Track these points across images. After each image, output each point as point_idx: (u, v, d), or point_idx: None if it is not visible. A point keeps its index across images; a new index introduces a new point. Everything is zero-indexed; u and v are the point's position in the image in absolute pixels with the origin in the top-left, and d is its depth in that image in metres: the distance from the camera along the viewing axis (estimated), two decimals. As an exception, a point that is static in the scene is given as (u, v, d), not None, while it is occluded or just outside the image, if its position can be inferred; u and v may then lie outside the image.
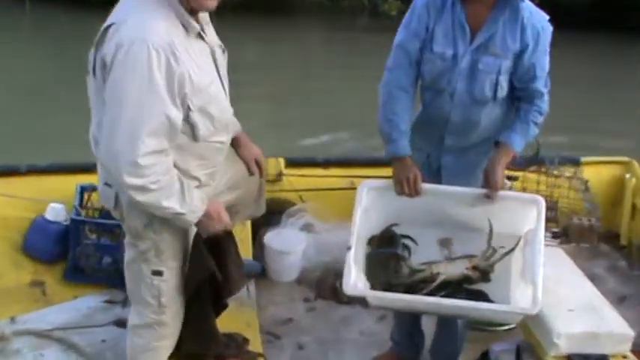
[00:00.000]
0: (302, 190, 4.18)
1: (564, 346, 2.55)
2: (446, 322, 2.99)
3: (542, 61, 2.62)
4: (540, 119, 2.68)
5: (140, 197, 2.16)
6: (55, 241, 3.56)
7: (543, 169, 3.69)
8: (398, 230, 2.79)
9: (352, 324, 3.53)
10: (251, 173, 2.77)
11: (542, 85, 2.65)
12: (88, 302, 3.36)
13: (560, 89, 3.09)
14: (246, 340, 2.75)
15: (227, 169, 2.66)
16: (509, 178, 3.98)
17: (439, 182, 2.76)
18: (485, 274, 2.64)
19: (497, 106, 2.68)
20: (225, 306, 2.63)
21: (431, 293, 2.56)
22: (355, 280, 2.53)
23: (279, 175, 4.24)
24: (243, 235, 3.60)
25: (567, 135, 7.03)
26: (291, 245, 3.85)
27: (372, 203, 2.72)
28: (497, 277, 2.66)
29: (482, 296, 2.61)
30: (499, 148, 2.65)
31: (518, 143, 2.65)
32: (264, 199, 3.01)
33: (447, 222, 2.75)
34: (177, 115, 2.16)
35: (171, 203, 2.20)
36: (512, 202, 2.70)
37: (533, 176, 3.78)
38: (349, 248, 2.56)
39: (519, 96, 2.69)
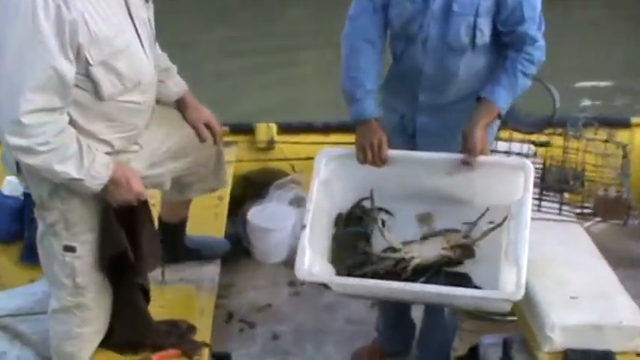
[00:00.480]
0: (295, 159, 3.98)
1: (560, 340, 2.34)
2: (432, 308, 2.77)
3: None
4: (532, 69, 2.41)
5: (29, 160, 2.05)
6: (12, 219, 3.44)
7: (559, 132, 3.32)
8: (370, 204, 2.57)
9: (338, 311, 3.36)
10: (202, 140, 2.58)
11: (533, 28, 2.37)
12: (43, 286, 3.22)
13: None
14: (191, 328, 2.57)
15: (171, 135, 2.51)
16: (535, 143, 3.64)
17: (415, 148, 2.53)
18: (467, 250, 2.43)
19: (478, 56, 2.42)
20: (145, 291, 2.46)
21: (407, 278, 2.35)
22: (310, 264, 2.34)
23: (271, 142, 4.08)
24: (218, 210, 3.45)
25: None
26: (277, 221, 3.68)
27: (333, 175, 2.54)
28: (485, 257, 2.46)
29: (464, 280, 2.40)
30: (480, 104, 2.40)
31: (503, 99, 2.40)
32: (224, 170, 2.85)
33: (424, 194, 2.56)
34: (70, 69, 2.01)
35: (66, 168, 2.06)
36: (497, 168, 2.47)
37: (556, 140, 3.43)
38: (304, 227, 2.38)
39: (506, 42, 2.43)
